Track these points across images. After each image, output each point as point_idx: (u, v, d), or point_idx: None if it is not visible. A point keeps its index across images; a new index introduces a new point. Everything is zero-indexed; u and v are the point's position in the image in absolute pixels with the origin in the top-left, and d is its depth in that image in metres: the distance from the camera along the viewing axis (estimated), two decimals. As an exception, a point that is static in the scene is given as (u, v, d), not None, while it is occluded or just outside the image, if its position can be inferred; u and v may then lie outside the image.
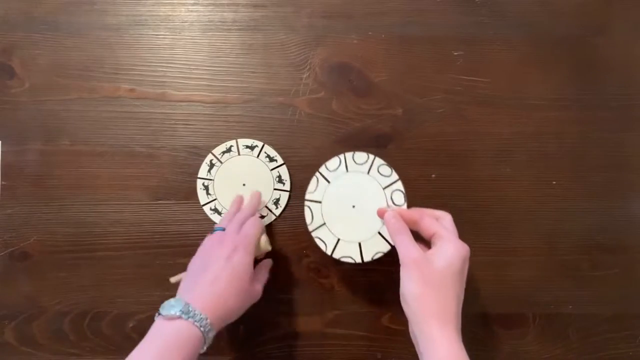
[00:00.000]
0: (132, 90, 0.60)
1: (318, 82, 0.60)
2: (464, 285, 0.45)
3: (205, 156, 0.59)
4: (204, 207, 0.58)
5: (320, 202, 0.53)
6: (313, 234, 0.53)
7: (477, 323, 0.58)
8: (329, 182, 0.53)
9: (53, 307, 0.58)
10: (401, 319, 0.58)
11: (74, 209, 0.59)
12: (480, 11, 0.61)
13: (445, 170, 0.59)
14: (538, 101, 0.60)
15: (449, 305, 0.43)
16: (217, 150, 0.59)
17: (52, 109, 0.60)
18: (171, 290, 0.49)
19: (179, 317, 0.43)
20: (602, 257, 0.59)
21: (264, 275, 0.54)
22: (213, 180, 0.59)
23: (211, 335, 0.44)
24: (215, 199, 0.58)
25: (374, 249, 0.51)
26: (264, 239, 0.54)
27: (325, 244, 0.52)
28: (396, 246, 0.46)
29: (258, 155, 0.59)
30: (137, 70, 0.60)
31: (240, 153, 0.59)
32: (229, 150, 0.59)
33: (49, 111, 0.59)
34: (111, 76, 0.60)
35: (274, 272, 0.58)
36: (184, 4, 0.61)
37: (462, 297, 0.44)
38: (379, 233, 0.52)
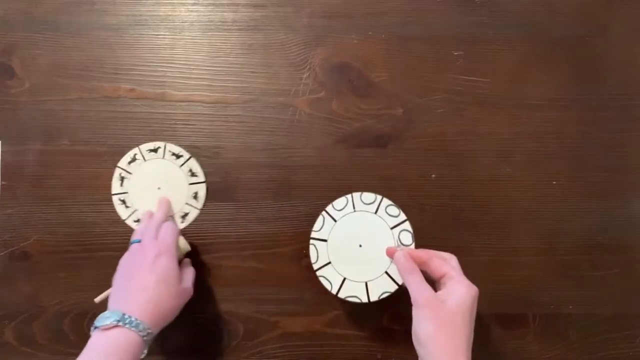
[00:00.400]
0: (132, 90, 0.60)
1: (318, 82, 0.60)
2: (473, 325, 0.45)
3: (206, 155, 0.59)
4: (127, 221, 0.58)
5: (326, 240, 0.53)
6: (318, 273, 0.53)
7: (477, 323, 0.58)
8: (335, 220, 0.53)
9: (53, 307, 0.58)
10: (401, 319, 0.58)
11: (74, 209, 0.59)
12: (480, 11, 0.61)
13: (445, 170, 0.59)
14: (538, 101, 0.60)
15: (462, 345, 0.43)
16: (123, 162, 0.59)
17: (52, 109, 0.60)
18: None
19: (116, 326, 0.44)
20: (602, 257, 0.59)
21: (189, 273, 0.54)
22: (128, 192, 0.58)
23: (149, 339, 0.45)
24: (135, 210, 0.58)
25: (381, 289, 0.52)
26: (182, 240, 0.55)
27: (331, 284, 0.52)
28: (408, 286, 0.46)
29: (164, 156, 0.59)
30: (137, 70, 0.60)
31: (146, 158, 0.59)
32: (134, 159, 0.59)
33: (49, 111, 0.59)
34: (111, 76, 0.60)
35: (274, 272, 0.59)
36: (184, 4, 0.61)
37: (472, 337, 0.45)
38: (386, 272, 0.52)
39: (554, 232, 0.59)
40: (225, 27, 0.61)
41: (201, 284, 0.57)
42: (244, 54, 0.60)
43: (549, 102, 0.60)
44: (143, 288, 0.47)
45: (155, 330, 0.46)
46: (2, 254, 0.59)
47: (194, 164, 0.59)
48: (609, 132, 0.60)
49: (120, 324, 0.44)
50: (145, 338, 0.44)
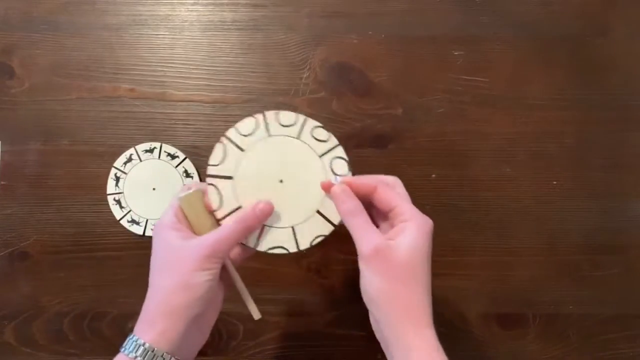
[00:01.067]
0: (132, 90, 0.60)
1: (318, 82, 0.60)
2: (430, 265, 0.37)
3: (206, 155, 0.59)
4: (121, 222, 0.58)
5: (231, 177, 0.41)
6: (224, 222, 0.41)
7: (477, 323, 0.58)
8: (242, 150, 0.41)
9: (53, 307, 0.58)
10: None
11: (74, 209, 0.59)
12: (480, 11, 0.61)
13: (445, 170, 0.59)
14: (538, 101, 0.60)
15: (422, 300, 0.36)
16: (119, 162, 0.59)
17: (52, 108, 0.59)
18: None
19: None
20: (603, 257, 0.59)
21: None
22: (123, 193, 0.58)
23: (139, 347, 0.35)
24: (129, 211, 0.58)
25: (313, 233, 0.41)
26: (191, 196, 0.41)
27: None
28: (351, 231, 0.38)
29: (159, 157, 0.59)
30: (137, 70, 0.60)
31: (142, 159, 0.58)
32: (129, 159, 0.59)
33: (48, 111, 0.59)
34: (111, 76, 0.60)
35: (274, 272, 0.58)
36: (183, 4, 0.61)
37: (430, 283, 0.37)
38: (318, 212, 0.41)
39: (555, 232, 0.59)
40: (225, 27, 0.61)
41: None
42: (243, 53, 0.60)
43: (550, 102, 0.60)
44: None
45: (167, 332, 0.36)
46: (1, 254, 0.59)
47: (189, 165, 0.59)
48: (609, 132, 0.60)
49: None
50: (134, 352, 0.35)
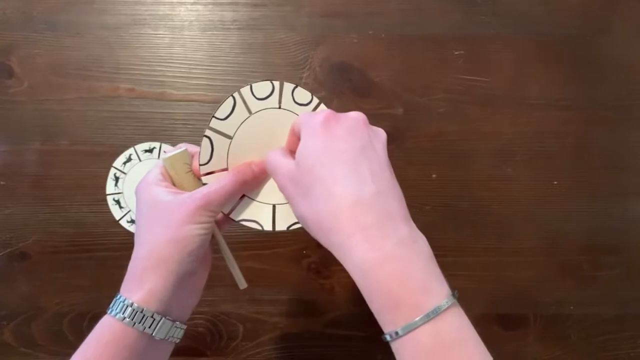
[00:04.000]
0: (131, 89, 0.60)
1: (318, 82, 0.60)
2: (348, 160, 0.32)
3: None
4: (121, 222, 0.58)
5: (230, 137, 0.37)
6: (204, 179, 0.37)
7: (477, 324, 0.58)
8: (250, 112, 0.37)
9: (52, 308, 0.58)
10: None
11: (73, 209, 0.59)
12: (481, 10, 0.61)
13: (445, 170, 0.59)
14: (539, 101, 0.60)
15: (333, 204, 0.30)
16: (118, 163, 0.59)
17: (51, 108, 0.59)
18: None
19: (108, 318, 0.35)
20: (603, 257, 0.59)
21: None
22: (122, 193, 0.58)
23: (131, 307, 0.33)
24: (129, 211, 0.58)
25: (294, 217, 0.36)
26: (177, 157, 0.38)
27: None
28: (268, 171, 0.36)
29: (159, 157, 0.58)
30: (136, 70, 0.60)
31: (141, 159, 0.58)
32: (129, 159, 0.58)
33: (47, 111, 0.59)
34: (110, 76, 0.60)
35: (274, 272, 0.58)
36: (183, 3, 0.61)
37: (351, 180, 0.31)
38: None
39: (555, 232, 0.59)
40: (225, 26, 0.60)
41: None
42: (243, 53, 0.60)
43: (550, 101, 0.60)
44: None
45: (158, 290, 0.34)
46: (0, 254, 0.58)
47: None
48: (609, 132, 0.60)
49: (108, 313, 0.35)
50: (126, 313, 0.33)
